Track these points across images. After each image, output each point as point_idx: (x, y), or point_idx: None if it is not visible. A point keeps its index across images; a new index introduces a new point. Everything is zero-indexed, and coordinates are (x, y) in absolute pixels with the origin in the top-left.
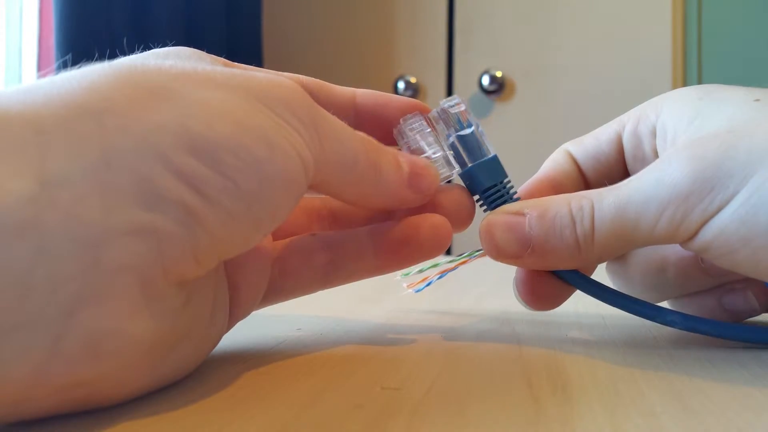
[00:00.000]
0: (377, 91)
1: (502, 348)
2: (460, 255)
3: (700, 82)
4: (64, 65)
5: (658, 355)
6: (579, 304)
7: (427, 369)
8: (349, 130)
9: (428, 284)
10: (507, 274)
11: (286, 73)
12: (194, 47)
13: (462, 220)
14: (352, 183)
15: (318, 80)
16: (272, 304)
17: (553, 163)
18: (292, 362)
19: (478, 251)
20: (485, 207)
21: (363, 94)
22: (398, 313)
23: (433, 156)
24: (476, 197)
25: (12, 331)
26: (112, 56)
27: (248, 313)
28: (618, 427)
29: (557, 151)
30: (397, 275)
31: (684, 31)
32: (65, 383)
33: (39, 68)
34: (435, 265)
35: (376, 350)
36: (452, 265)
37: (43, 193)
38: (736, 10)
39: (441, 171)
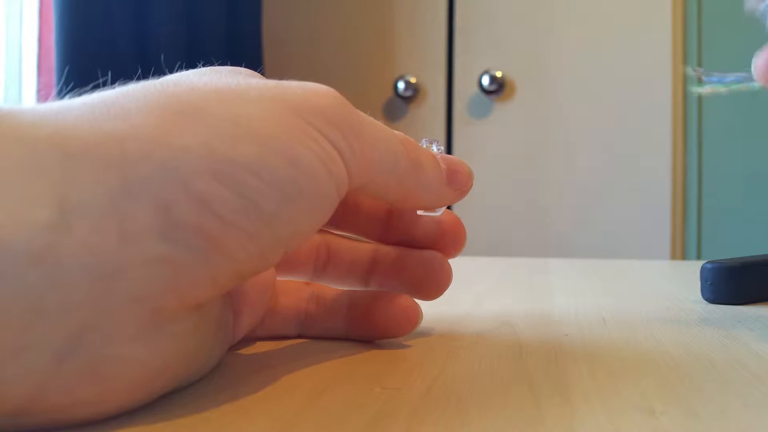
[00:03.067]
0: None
1: (502, 348)
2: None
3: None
4: (64, 65)
5: (658, 355)
6: (579, 304)
7: (427, 369)
8: (388, 130)
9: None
10: (507, 274)
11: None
12: (194, 48)
13: (458, 242)
14: (395, 183)
15: None
16: (251, 337)
17: None
18: (291, 363)
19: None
20: None
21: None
22: None
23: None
24: None
25: (18, 351)
26: (112, 56)
27: (239, 338)
28: (618, 427)
29: None
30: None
31: (684, 31)
32: (64, 402)
33: (39, 68)
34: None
35: (376, 350)
36: (745, 87)
37: (62, 221)
38: (736, 10)
39: None
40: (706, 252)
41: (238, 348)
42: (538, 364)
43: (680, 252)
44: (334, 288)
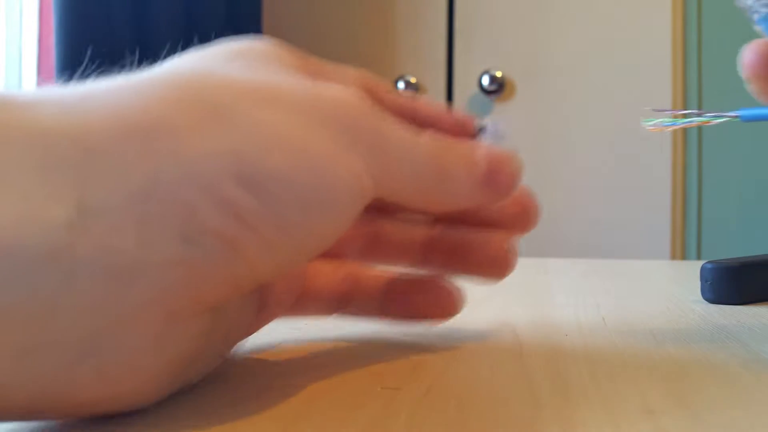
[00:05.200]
0: (424, 104)
1: (502, 348)
2: (709, 113)
3: (700, 82)
4: (65, 67)
5: (658, 355)
6: (579, 304)
7: (427, 369)
8: (414, 140)
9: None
10: None
11: (351, 71)
12: (194, 47)
13: (526, 223)
14: (417, 191)
15: (381, 85)
16: (289, 317)
17: None
18: (291, 363)
19: (726, 115)
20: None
21: (423, 105)
22: None
23: None
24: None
25: (29, 351)
26: (112, 56)
27: (268, 322)
28: (618, 427)
29: None
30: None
31: (684, 31)
32: (74, 401)
33: (39, 68)
34: (678, 119)
35: (376, 350)
36: (694, 123)
37: (80, 220)
38: (736, 10)
39: None
40: (706, 252)
41: (239, 348)
42: (538, 364)
43: (680, 252)
44: (370, 270)
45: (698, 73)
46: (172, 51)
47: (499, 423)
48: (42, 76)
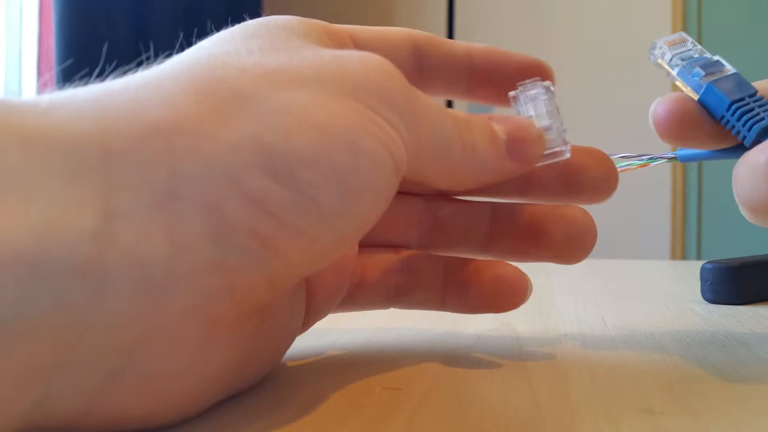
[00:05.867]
0: (494, 48)
1: (502, 348)
2: (645, 155)
3: None
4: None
5: (658, 354)
6: (579, 304)
7: (427, 369)
8: (444, 112)
9: None
10: None
11: (394, 29)
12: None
13: (606, 188)
14: (446, 169)
15: (432, 36)
16: (342, 312)
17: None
18: (291, 363)
19: (663, 157)
20: (735, 129)
21: (479, 52)
22: (398, 313)
23: (545, 128)
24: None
25: (64, 367)
26: (112, 56)
27: (319, 319)
28: (618, 427)
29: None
30: None
31: (684, 31)
32: (115, 417)
33: (39, 68)
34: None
35: (376, 350)
36: (633, 166)
37: (107, 228)
38: (736, 10)
39: (552, 145)
40: (706, 252)
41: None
42: (538, 364)
43: (680, 252)
44: (428, 257)
45: None
46: (172, 51)
47: (499, 423)
48: (42, 76)
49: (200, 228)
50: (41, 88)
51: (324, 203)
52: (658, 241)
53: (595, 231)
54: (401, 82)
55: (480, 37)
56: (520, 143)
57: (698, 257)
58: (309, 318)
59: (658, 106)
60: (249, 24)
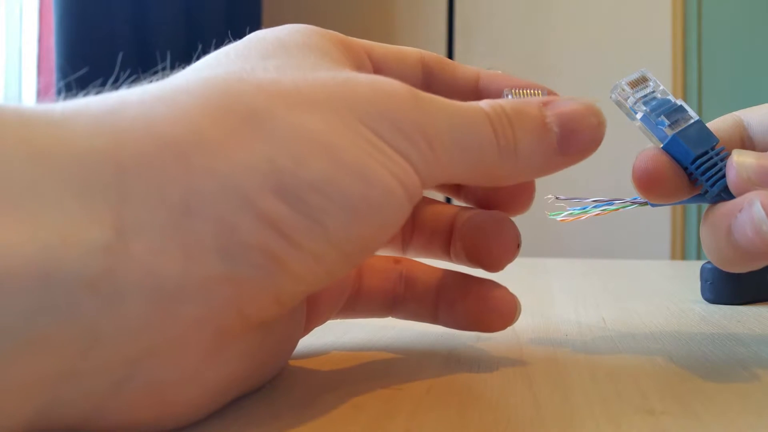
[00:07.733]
0: (501, 74)
1: (502, 348)
2: (617, 200)
3: (700, 82)
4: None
5: (658, 355)
6: (579, 304)
7: (427, 369)
8: (472, 113)
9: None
10: (507, 273)
11: (408, 48)
12: (194, 48)
13: (523, 203)
14: (482, 173)
15: (441, 58)
16: (341, 319)
17: (722, 122)
18: (291, 363)
19: (635, 201)
20: (699, 182)
21: (486, 77)
22: None
23: None
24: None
25: (73, 375)
26: (112, 57)
27: (319, 326)
28: (618, 427)
29: (723, 117)
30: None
31: (684, 31)
32: (123, 423)
33: (39, 69)
34: (585, 210)
35: (376, 350)
36: (606, 211)
37: (119, 243)
38: (736, 10)
39: None
40: None
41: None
42: (538, 363)
43: (680, 252)
44: (425, 269)
45: (698, 73)
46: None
47: (499, 423)
48: (42, 77)
49: (212, 244)
50: (42, 88)
51: (332, 227)
52: (658, 241)
53: (513, 238)
54: (412, 103)
55: (480, 37)
56: (576, 136)
57: (698, 257)
58: (309, 324)
59: (638, 159)
60: (267, 39)
